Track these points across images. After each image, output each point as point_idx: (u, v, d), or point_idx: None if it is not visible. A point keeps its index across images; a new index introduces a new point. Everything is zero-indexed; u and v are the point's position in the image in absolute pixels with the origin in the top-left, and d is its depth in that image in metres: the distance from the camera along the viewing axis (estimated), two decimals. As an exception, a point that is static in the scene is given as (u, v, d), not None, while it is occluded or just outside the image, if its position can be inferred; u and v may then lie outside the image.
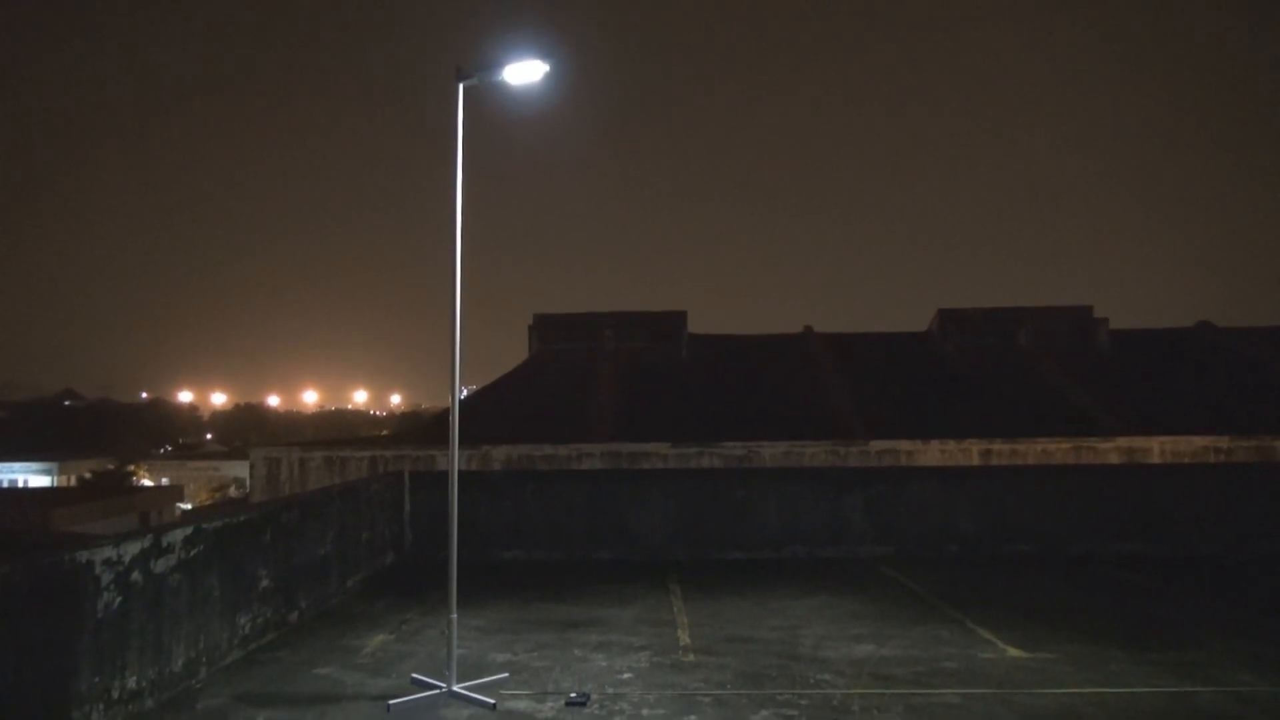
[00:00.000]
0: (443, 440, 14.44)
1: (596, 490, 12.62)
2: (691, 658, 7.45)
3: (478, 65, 7.01)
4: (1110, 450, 14.76)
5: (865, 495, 12.43)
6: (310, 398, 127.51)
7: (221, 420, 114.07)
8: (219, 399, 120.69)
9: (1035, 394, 18.48)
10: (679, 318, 21.47)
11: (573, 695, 6.44)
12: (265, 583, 8.11)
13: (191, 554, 6.89)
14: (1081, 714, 6.03)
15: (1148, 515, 12.34)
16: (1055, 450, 14.72)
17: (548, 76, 7.07)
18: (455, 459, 7.04)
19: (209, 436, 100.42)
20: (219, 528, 7.36)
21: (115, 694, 5.86)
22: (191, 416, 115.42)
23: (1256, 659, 7.22)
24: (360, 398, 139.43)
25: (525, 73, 6.99)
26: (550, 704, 6.32)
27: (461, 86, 7.03)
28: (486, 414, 17.12)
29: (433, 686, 6.56)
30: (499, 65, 6.95)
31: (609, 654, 7.57)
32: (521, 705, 6.30)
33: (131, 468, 59.03)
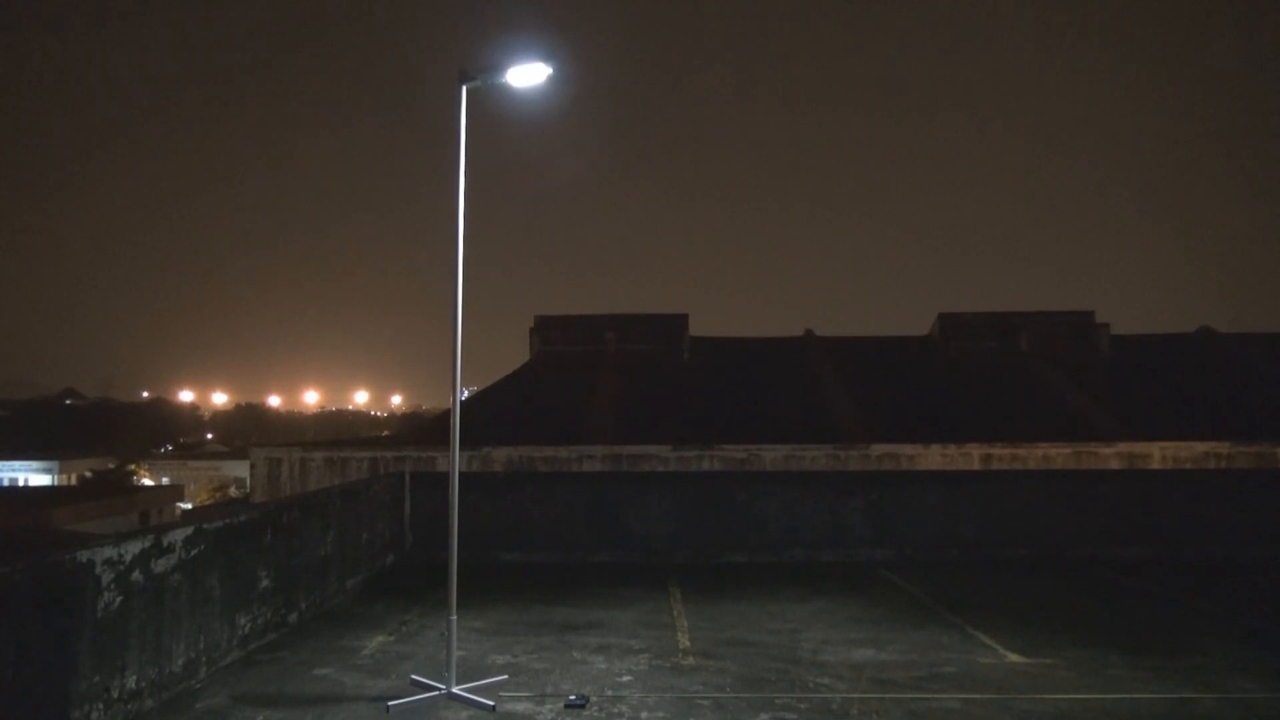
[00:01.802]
0: (444, 441, 14.44)
1: (597, 492, 12.62)
2: (691, 661, 7.45)
3: (481, 68, 7.01)
4: (1111, 455, 14.75)
5: (866, 499, 12.43)
6: (311, 398, 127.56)
7: (222, 420, 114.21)
8: (220, 399, 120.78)
9: (1036, 399, 18.47)
10: (680, 320, 21.47)
11: (572, 697, 6.44)
12: (265, 583, 8.11)
13: (192, 554, 6.89)
14: (1081, 720, 6.03)
15: (1148, 520, 12.33)
16: (1056, 455, 14.70)
17: (551, 79, 7.07)
18: (456, 460, 7.04)
19: (210, 436, 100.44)
20: (219, 528, 7.37)
21: (115, 694, 5.86)
22: (192, 416, 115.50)
23: (1257, 665, 7.22)
24: (361, 398, 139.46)
25: (528, 75, 6.99)
26: (549, 706, 6.32)
27: (464, 89, 7.04)
28: (487, 415, 17.12)
29: (432, 688, 6.56)
30: (502, 68, 6.96)
31: (608, 656, 7.57)
32: (521, 707, 6.30)
33: (132, 467, 59.11)
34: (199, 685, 6.79)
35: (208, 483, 58.45)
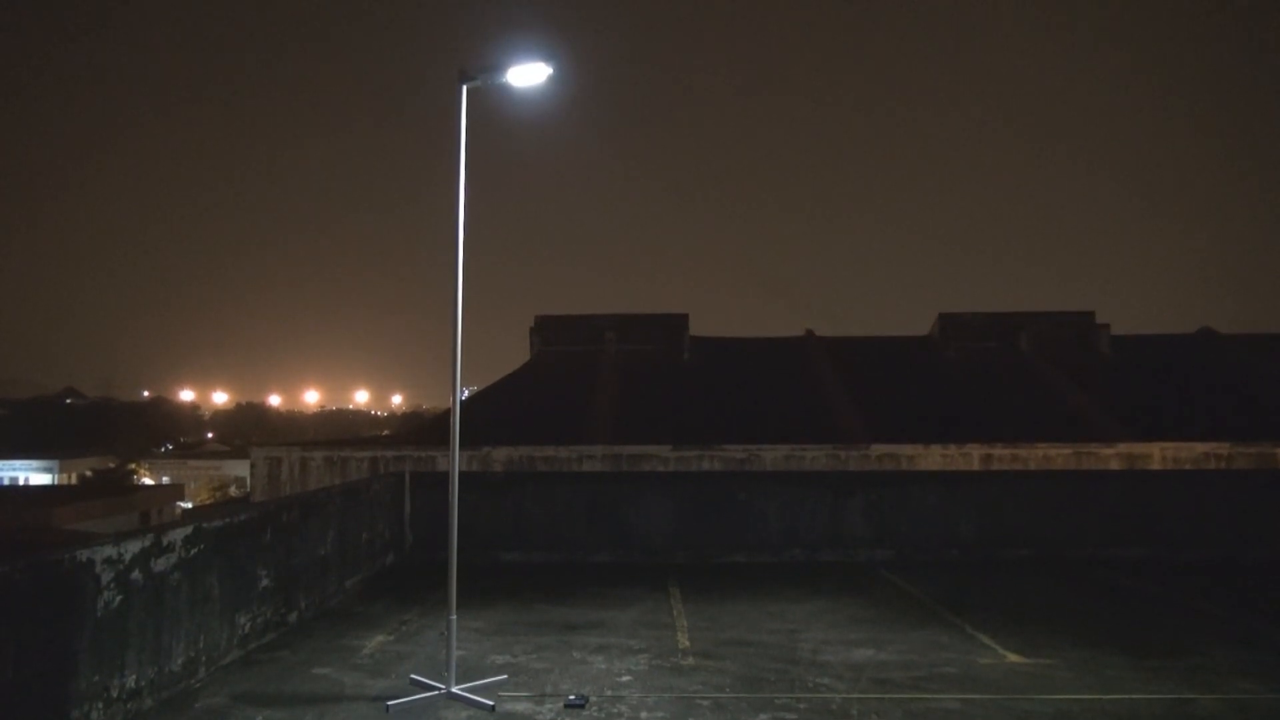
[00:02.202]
0: (444, 441, 14.44)
1: (597, 492, 12.62)
2: (691, 661, 7.45)
3: (481, 67, 7.01)
4: (1111, 456, 14.75)
5: (865, 499, 12.43)
6: (312, 397, 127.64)
7: (223, 419, 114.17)
8: (220, 398, 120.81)
9: (1036, 399, 18.47)
10: (681, 320, 21.47)
11: (571, 697, 6.44)
12: (265, 582, 8.11)
13: (192, 553, 6.90)
14: (1080, 720, 6.03)
15: (1148, 521, 12.33)
16: (1056, 455, 14.71)
17: (551, 79, 7.07)
18: (456, 460, 7.04)
19: (210, 435, 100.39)
20: (219, 527, 7.37)
21: (114, 693, 5.86)
22: (193, 415, 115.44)
23: (1257, 666, 7.22)
24: (361, 398, 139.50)
25: (528, 75, 6.99)
26: (549, 706, 6.32)
27: (465, 88, 7.03)
28: (487, 415, 17.12)
29: (432, 688, 6.56)
30: (502, 67, 6.95)
31: (608, 656, 7.57)
32: (520, 707, 6.30)
33: (132, 466, 59.12)
34: (198, 684, 6.79)
35: (208, 482, 58.45)
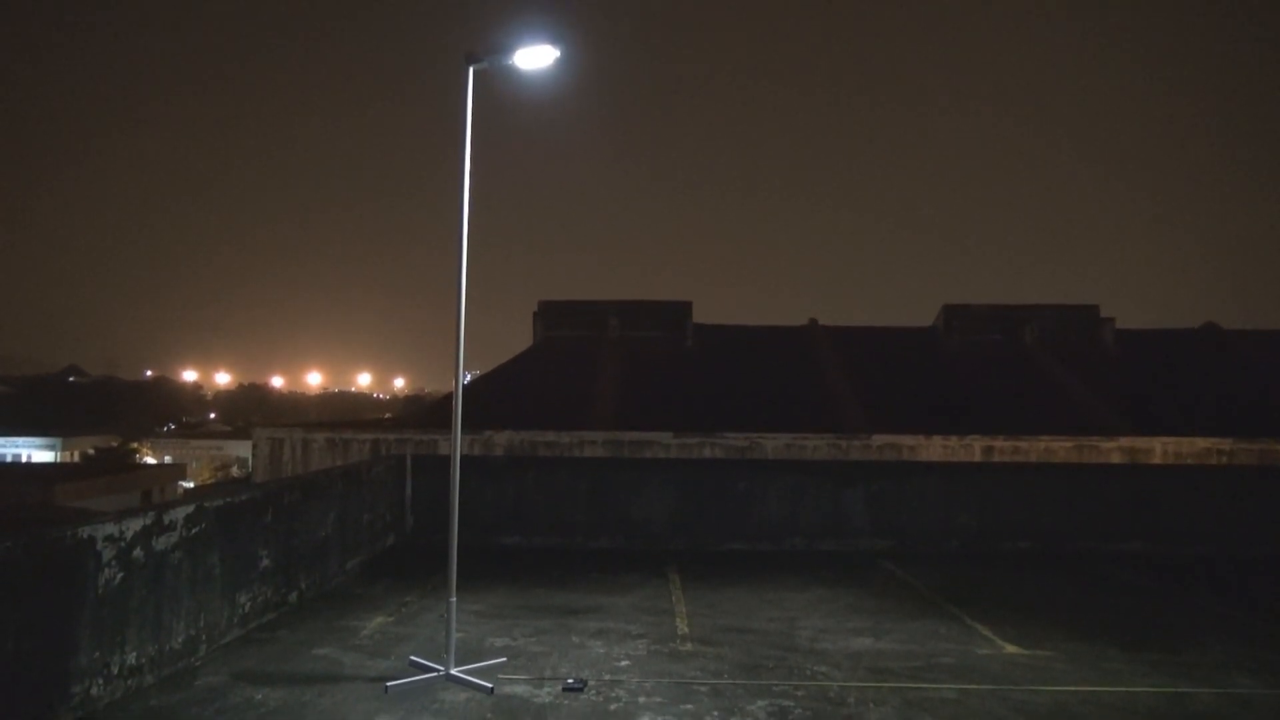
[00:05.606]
0: (445, 424, 14.44)
1: (598, 478, 12.63)
2: (689, 647, 7.47)
3: (488, 49, 6.97)
4: (1113, 450, 14.73)
5: (866, 489, 12.43)
6: (314, 379, 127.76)
7: (225, 400, 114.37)
8: (223, 378, 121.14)
9: (1039, 392, 18.44)
10: (684, 307, 21.43)
11: (570, 681, 6.46)
12: (266, 562, 8.13)
13: (193, 532, 6.91)
14: (1077, 712, 6.04)
15: (1148, 515, 12.33)
16: (1057, 448, 14.69)
17: (558, 62, 7.03)
18: (457, 443, 7.04)
19: (212, 416, 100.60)
20: (221, 507, 7.38)
21: (115, 669, 5.89)
22: (195, 395, 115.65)
23: (1255, 661, 7.23)
24: (364, 380, 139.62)
25: (535, 58, 6.95)
26: (547, 689, 6.34)
27: (471, 70, 6.99)
28: (490, 399, 17.13)
29: (431, 669, 6.59)
30: (509, 49, 6.92)
31: (607, 641, 7.59)
32: (519, 690, 6.33)
33: (135, 445, 59.26)
34: (199, 662, 6.82)
35: (210, 462, 58.56)
